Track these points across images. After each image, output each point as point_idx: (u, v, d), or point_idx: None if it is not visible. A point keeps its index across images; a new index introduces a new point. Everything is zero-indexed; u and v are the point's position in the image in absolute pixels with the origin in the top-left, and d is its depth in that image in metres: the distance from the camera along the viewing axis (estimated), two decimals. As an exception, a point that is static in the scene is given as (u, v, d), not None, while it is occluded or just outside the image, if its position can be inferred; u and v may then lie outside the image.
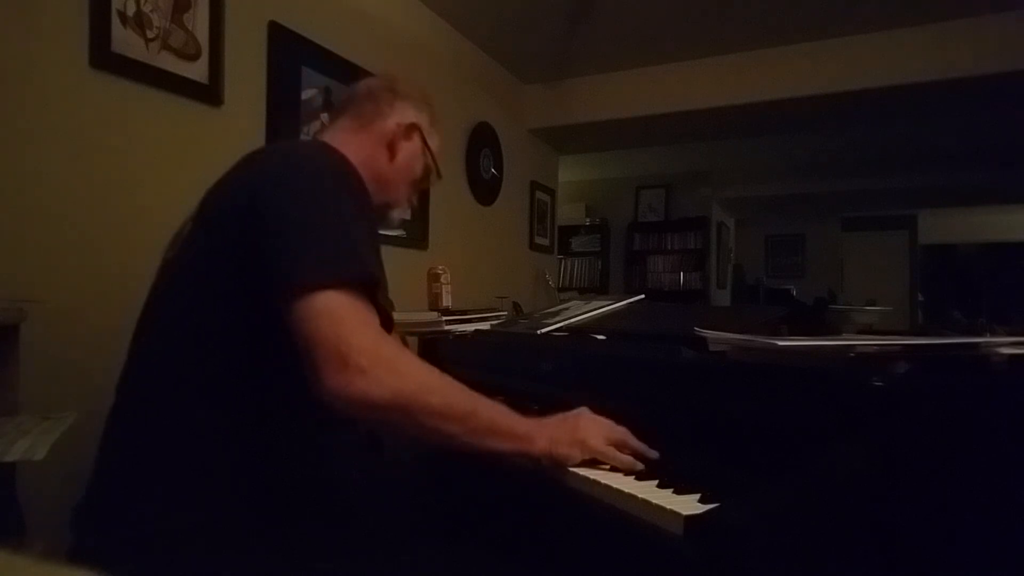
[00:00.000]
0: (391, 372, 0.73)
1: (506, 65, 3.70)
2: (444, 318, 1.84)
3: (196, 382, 0.78)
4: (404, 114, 1.11)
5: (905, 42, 3.05)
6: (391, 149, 1.09)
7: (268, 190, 0.81)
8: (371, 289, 0.78)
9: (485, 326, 1.73)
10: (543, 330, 1.40)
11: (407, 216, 1.23)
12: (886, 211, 7.68)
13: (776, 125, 4.09)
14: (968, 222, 8.11)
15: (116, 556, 0.71)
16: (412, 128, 1.11)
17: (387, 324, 0.83)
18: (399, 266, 2.76)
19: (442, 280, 2.45)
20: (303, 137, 2.16)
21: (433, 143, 1.16)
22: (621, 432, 0.85)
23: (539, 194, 4.27)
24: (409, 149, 1.11)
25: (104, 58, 1.60)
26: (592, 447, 0.81)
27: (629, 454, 0.82)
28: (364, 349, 0.72)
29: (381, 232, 1.00)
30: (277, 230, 0.77)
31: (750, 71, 3.37)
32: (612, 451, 0.82)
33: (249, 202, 0.80)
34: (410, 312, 2.33)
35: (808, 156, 5.55)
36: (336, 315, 0.73)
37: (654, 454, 0.83)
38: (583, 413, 0.87)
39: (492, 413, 0.80)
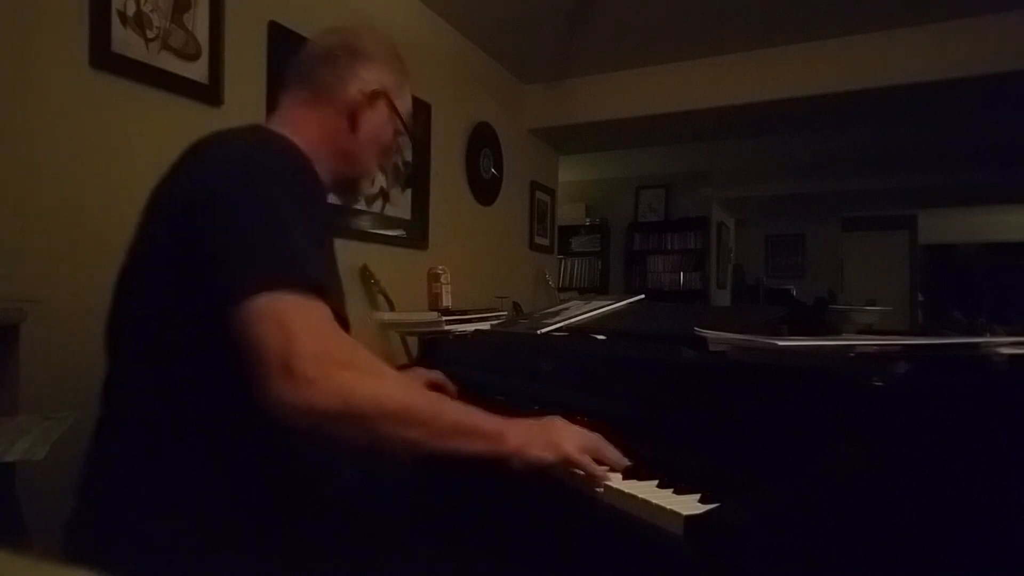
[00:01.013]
0: (342, 378, 0.68)
1: (506, 65, 3.70)
2: (444, 318, 1.84)
3: (182, 388, 0.76)
4: (366, 78, 1.00)
5: (905, 42, 3.05)
6: (353, 120, 0.99)
7: (210, 194, 0.75)
8: (319, 291, 0.72)
9: (485, 326, 1.73)
10: (543, 330, 1.40)
11: (374, 188, 1.16)
12: (886, 211, 7.68)
13: (776, 125, 4.09)
14: (968, 222, 8.10)
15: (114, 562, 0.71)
16: (376, 95, 1.01)
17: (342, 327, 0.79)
18: (399, 266, 2.76)
19: (442, 280, 2.45)
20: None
21: (402, 105, 1.06)
22: (595, 439, 0.82)
23: (539, 194, 4.27)
24: (374, 117, 1.01)
25: (104, 58, 1.60)
26: (566, 451, 0.78)
27: (603, 462, 0.80)
28: (311, 354, 0.66)
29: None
30: (220, 237, 0.73)
31: (750, 71, 3.37)
32: (586, 458, 0.78)
33: (192, 206, 0.75)
34: (410, 312, 2.33)
35: (808, 156, 5.55)
36: (281, 318, 0.67)
37: (626, 462, 0.81)
38: (557, 419, 0.83)
39: (456, 414, 0.76)
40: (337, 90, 0.99)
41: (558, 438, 0.79)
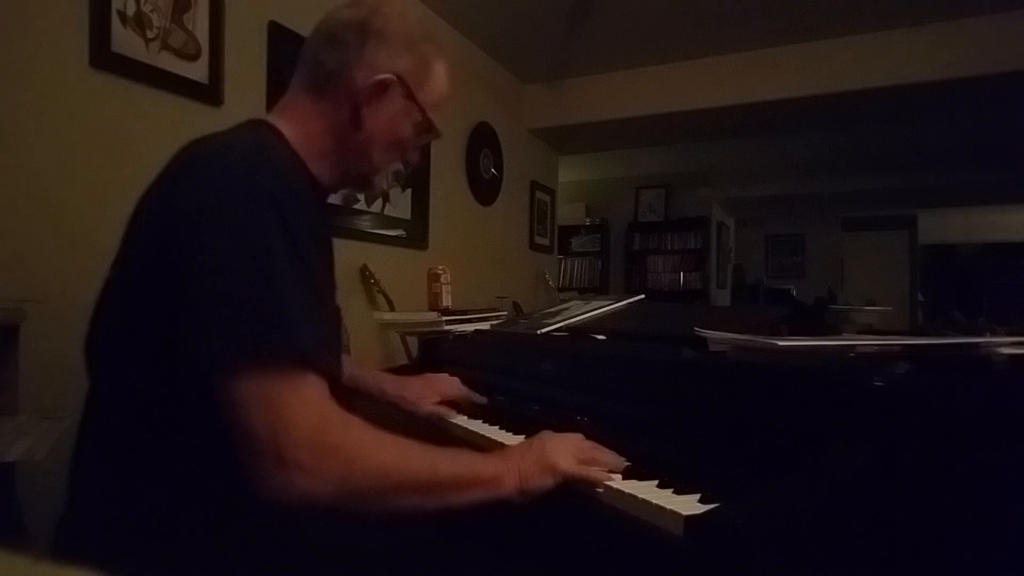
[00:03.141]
0: (336, 462, 0.65)
1: (506, 65, 3.70)
2: (444, 318, 1.84)
3: (158, 404, 0.73)
4: (376, 64, 0.85)
5: (905, 42, 3.05)
6: (356, 114, 0.86)
7: (191, 226, 0.68)
8: (311, 360, 0.67)
9: (485, 326, 1.73)
10: (543, 330, 1.39)
11: (397, 179, 1.02)
12: (886, 211, 7.69)
13: (776, 125, 4.09)
14: (968, 222, 8.11)
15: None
16: (385, 85, 0.86)
17: (337, 380, 0.75)
18: (399, 266, 2.76)
19: (442, 280, 2.45)
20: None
21: (426, 93, 0.91)
22: (588, 447, 0.82)
23: (539, 194, 4.27)
24: (383, 110, 0.87)
25: (104, 58, 1.60)
26: (563, 470, 0.78)
27: (600, 466, 0.80)
28: (303, 441, 0.64)
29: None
30: (194, 293, 0.66)
31: (750, 71, 3.37)
32: (583, 469, 0.79)
33: (173, 234, 0.69)
34: (410, 312, 2.33)
35: (808, 156, 5.55)
36: (272, 403, 0.64)
37: (624, 463, 0.81)
38: (546, 435, 0.83)
39: (454, 467, 0.73)
40: (342, 77, 0.85)
41: (553, 458, 0.78)
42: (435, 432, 1.17)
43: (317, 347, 0.68)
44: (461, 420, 1.19)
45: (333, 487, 0.65)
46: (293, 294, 0.67)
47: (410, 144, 0.94)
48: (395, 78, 0.86)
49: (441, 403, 1.24)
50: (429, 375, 1.32)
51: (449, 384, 1.28)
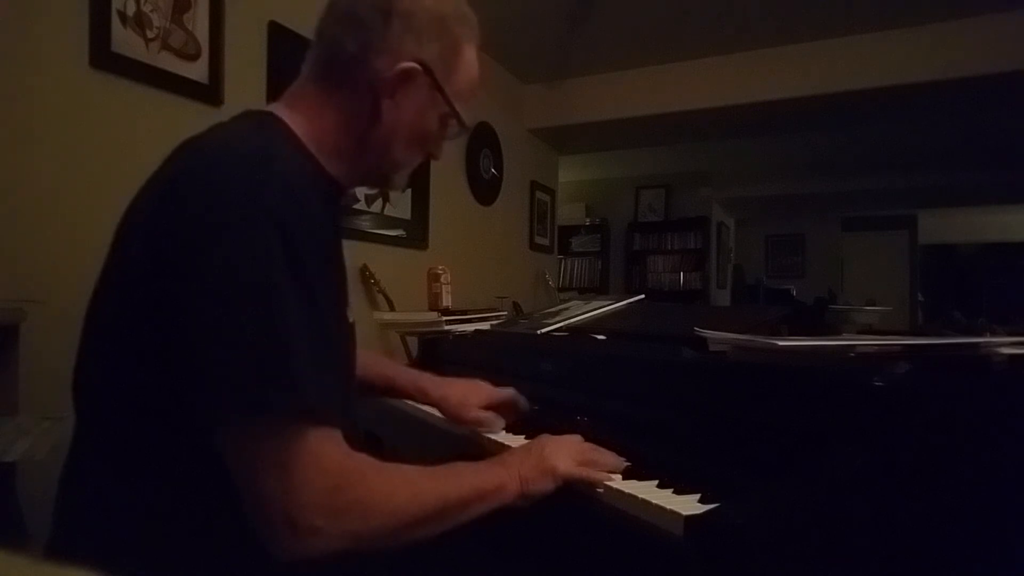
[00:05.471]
0: (351, 519, 0.63)
1: (506, 65, 3.70)
2: (444, 318, 1.84)
3: (172, 398, 0.68)
4: (400, 50, 0.76)
5: (905, 42, 3.05)
6: (375, 106, 0.77)
7: (182, 253, 0.63)
8: (323, 408, 0.63)
9: (485, 326, 1.73)
10: (543, 330, 1.39)
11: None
12: (886, 211, 7.69)
13: (776, 125, 4.09)
14: (968, 222, 8.11)
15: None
16: (408, 74, 0.77)
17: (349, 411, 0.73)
18: (399, 266, 2.76)
19: (442, 280, 2.46)
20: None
21: (454, 82, 0.82)
22: (587, 448, 0.82)
23: (539, 194, 4.27)
24: (407, 103, 0.79)
25: (104, 58, 1.60)
26: (563, 473, 0.77)
27: (600, 467, 0.79)
28: (317, 506, 0.61)
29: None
30: (190, 331, 0.62)
31: (750, 71, 3.37)
32: (583, 470, 0.78)
33: (166, 249, 0.64)
34: (410, 312, 2.33)
35: (808, 156, 5.55)
36: (277, 464, 0.60)
37: (623, 463, 0.81)
38: (545, 439, 0.82)
39: (460, 489, 0.72)
40: (360, 64, 0.76)
41: (552, 461, 0.78)
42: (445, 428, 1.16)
43: (325, 397, 0.63)
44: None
45: (348, 542, 0.63)
46: (298, 342, 0.61)
47: (435, 138, 0.85)
48: (419, 68, 0.77)
49: (487, 408, 1.11)
50: (474, 380, 1.17)
51: (492, 391, 1.13)
